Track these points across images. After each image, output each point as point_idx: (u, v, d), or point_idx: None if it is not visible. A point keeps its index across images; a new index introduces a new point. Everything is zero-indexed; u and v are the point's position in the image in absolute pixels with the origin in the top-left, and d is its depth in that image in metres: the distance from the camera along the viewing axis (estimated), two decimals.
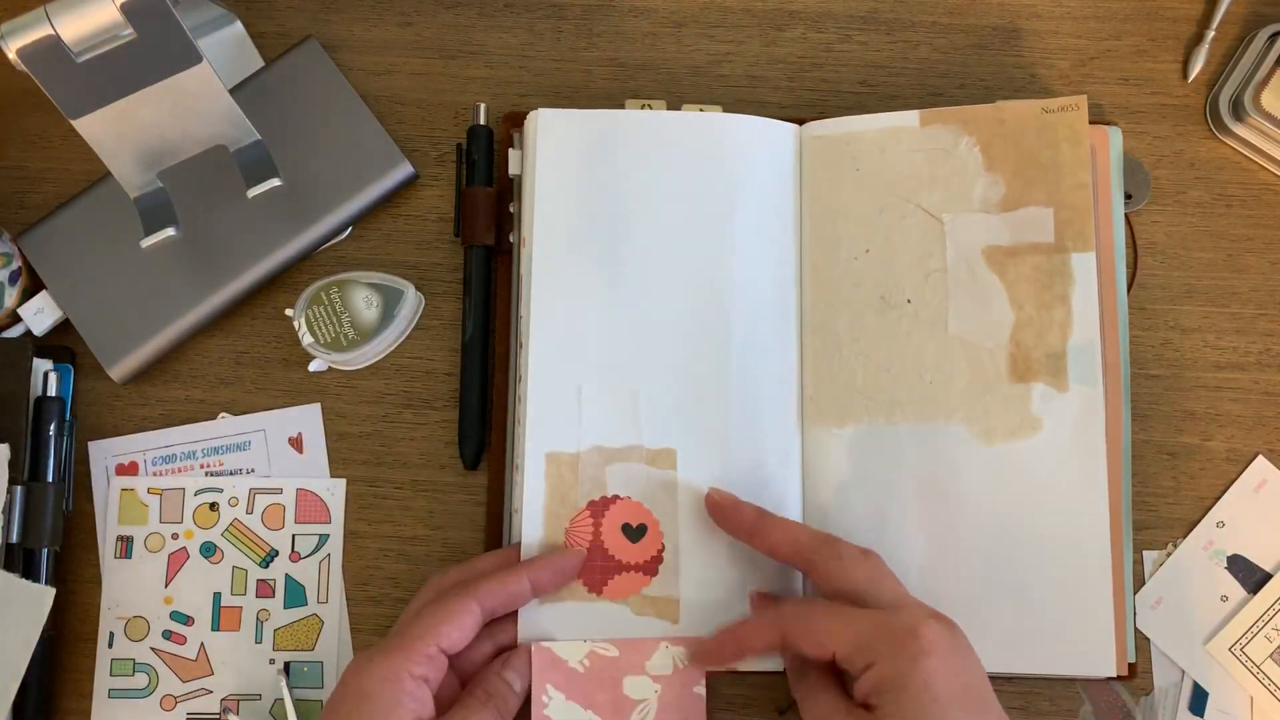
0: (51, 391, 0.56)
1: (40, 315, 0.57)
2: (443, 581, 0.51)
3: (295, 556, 0.57)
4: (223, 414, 0.58)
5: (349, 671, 0.47)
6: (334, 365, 0.58)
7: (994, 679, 0.53)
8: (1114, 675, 0.52)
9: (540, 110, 0.55)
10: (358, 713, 0.45)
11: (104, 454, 0.58)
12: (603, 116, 0.55)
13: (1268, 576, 0.56)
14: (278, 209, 0.58)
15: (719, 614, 0.52)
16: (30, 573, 0.54)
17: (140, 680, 0.56)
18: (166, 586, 0.57)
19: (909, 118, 0.56)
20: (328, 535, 0.57)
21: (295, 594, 0.57)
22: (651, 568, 0.52)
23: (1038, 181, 0.54)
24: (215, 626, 0.57)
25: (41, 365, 0.56)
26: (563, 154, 0.55)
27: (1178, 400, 0.58)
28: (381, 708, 0.46)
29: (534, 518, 0.52)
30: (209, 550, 0.57)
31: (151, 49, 0.50)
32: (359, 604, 0.57)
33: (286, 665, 0.56)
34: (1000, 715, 0.44)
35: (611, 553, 0.52)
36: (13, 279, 0.57)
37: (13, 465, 0.54)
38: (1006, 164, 0.54)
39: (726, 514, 0.51)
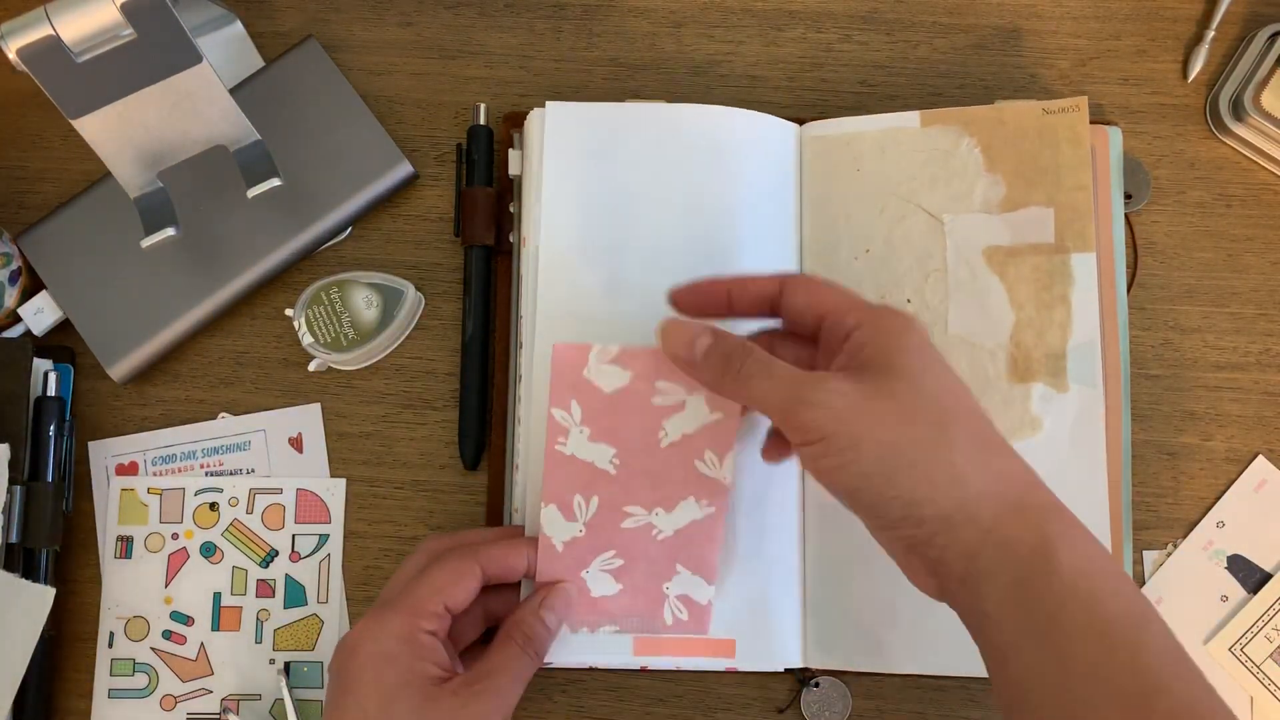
0: (51, 391, 0.56)
1: (40, 315, 0.57)
2: (436, 546, 0.50)
3: (295, 556, 0.57)
4: (223, 414, 0.58)
5: (355, 637, 0.45)
6: (334, 365, 0.58)
7: None
8: None
9: (549, 103, 0.55)
10: (383, 675, 0.44)
11: (104, 454, 0.58)
12: (608, 110, 0.55)
13: (1268, 576, 0.56)
14: (278, 209, 0.58)
15: (724, 605, 0.52)
16: (30, 573, 0.54)
17: (140, 680, 0.56)
18: (166, 586, 0.57)
19: (910, 118, 0.56)
20: (328, 535, 0.57)
21: (295, 594, 0.57)
22: None
23: (1038, 182, 0.54)
24: (215, 626, 0.57)
25: (41, 365, 0.56)
26: (569, 146, 0.55)
27: (1178, 400, 0.58)
28: (406, 666, 0.44)
29: (536, 516, 0.52)
30: (209, 550, 0.57)
31: (151, 49, 0.50)
32: (359, 604, 0.57)
33: (286, 665, 0.56)
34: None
35: None
36: (13, 279, 0.57)
37: (13, 465, 0.54)
38: (1007, 164, 0.54)
39: (691, 293, 0.48)
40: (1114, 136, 0.56)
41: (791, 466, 0.54)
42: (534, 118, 0.55)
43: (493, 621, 0.51)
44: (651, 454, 0.50)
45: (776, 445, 0.50)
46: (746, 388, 0.44)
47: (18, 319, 0.57)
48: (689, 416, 0.49)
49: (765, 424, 0.51)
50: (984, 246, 0.54)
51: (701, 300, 0.48)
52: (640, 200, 0.55)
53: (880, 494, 0.41)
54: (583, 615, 0.51)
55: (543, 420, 0.52)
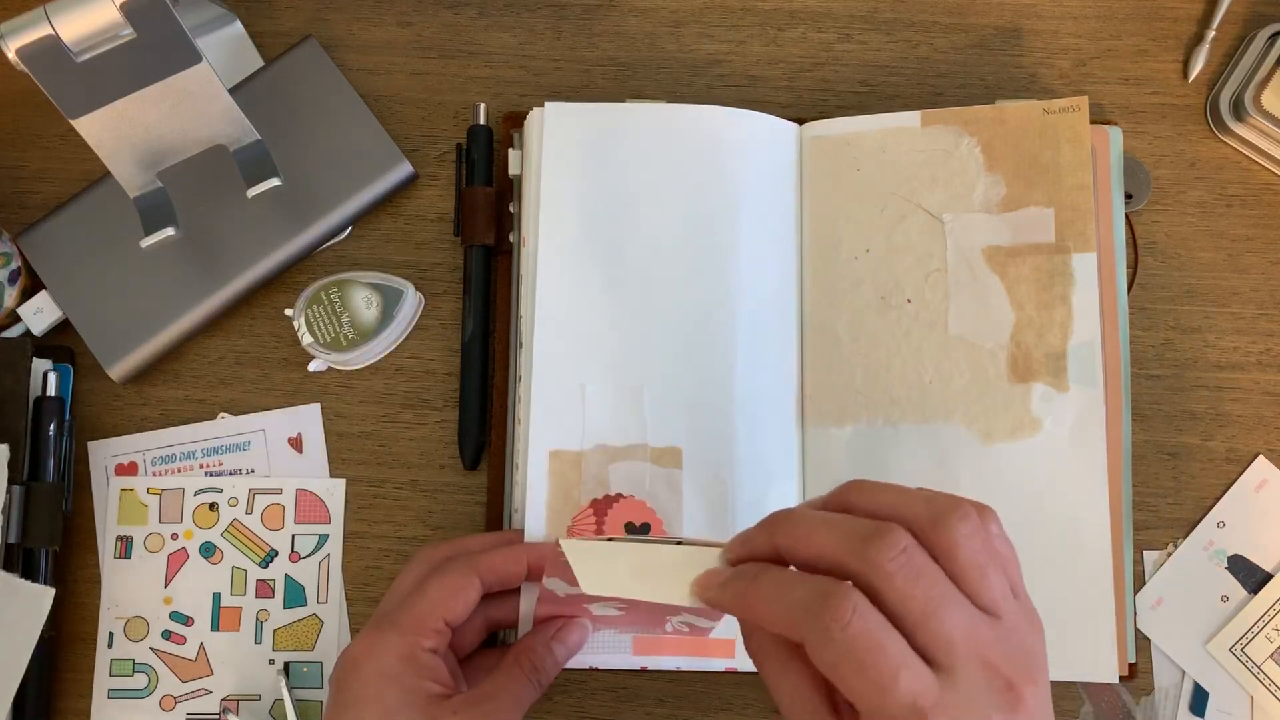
0: (51, 391, 0.56)
1: (40, 315, 0.57)
2: (433, 555, 0.49)
3: (295, 557, 0.57)
4: (222, 414, 0.58)
5: (357, 653, 0.45)
6: (334, 365, 0.58)
7: None
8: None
9: (548, 103, 0.55)
10: (385, 694, 0.44)
11: (104, 454, 0.58)
12: (607, 110, 0.55)
13: (1268, 576, 0.56)
14: (277, 209, 0.58)
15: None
16: (30, 573, 0.54)
17: (140, 680, 0.56)
18: (166, 587, 0.57)
19: (910, 118, 0.56)
20: (327, 535, 0.57)
21: (295, 594, 0.57)
22: None
23: (1038, 182, 0.54)
24: (215, 627, 0.56)
25: (41, 365, 0.56)
26: (568, 146, 0.55)
27: (1178, 400, 0.58)
28: (407, 685, 0.44)
29: (537, 514, 0.52)
30: (208, 550, 0.57)
31: (151, 49, 0.50)
32: (359, 604, 0.57)
33: (286, 665, 0.56)
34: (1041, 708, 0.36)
35: None
36: (12, 279, 0.57)
37: (12, 465, 0.54)
38: (1007, 164, 0.54)
39: (746, 544, 0.40)
40: (1114, 136, 0.56)
41: (791, 468, 0.54)
42: (534, 117, 0.55)
43: (494, 627, 0.51)
44: (655, 616, 0.47)
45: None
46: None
47: (17, 319, 0.57)
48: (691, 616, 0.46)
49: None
50: (984, 246, 0.54)
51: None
52: (639, 200, 0.55)
53: None
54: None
55: (546, 419, 0.52)
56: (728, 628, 0.52)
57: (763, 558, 0.39)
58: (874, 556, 0.35)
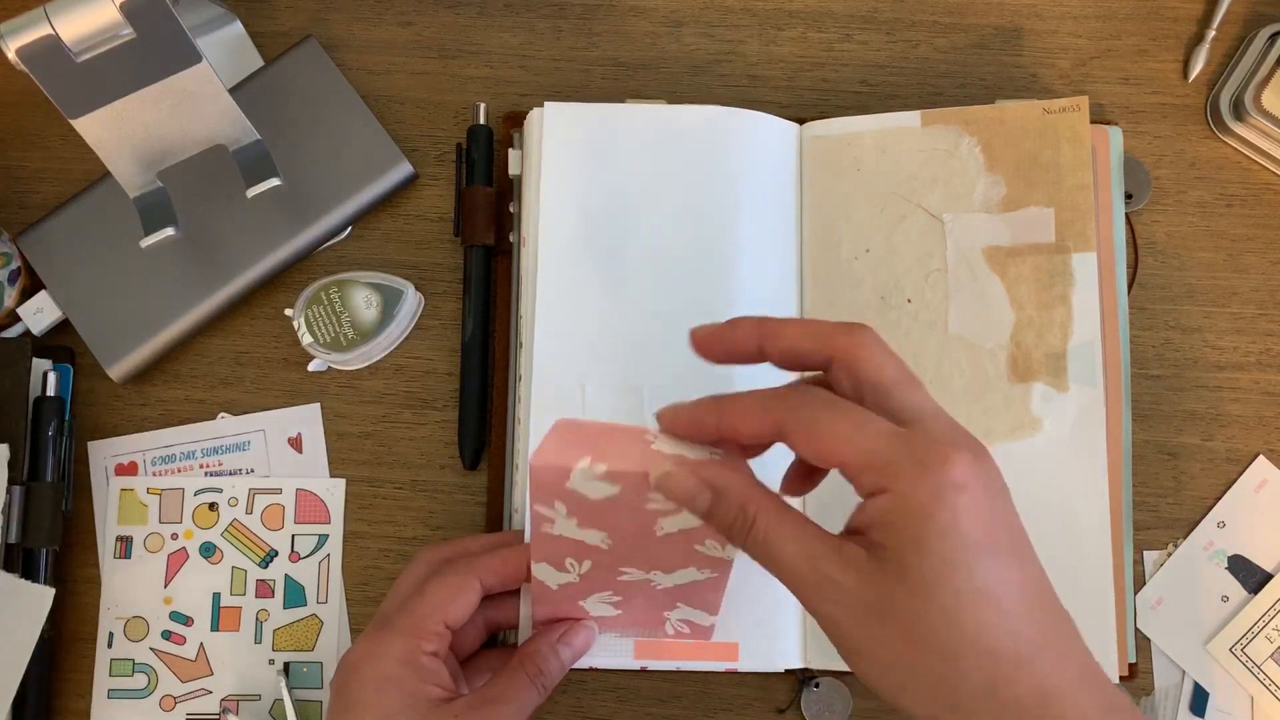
0: (51, 391, 0.56)
1: (40, 315, 0.57)
2: (433, 556, 0.49)
3: (295, 556, 0.57)
4: (222, 414, 0.58)
5: (357, 657, 0.45)
6: (334, 365, 0.58)
7: None
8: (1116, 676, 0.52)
9: (547, 104, 0.55)
10: (386, 698, 0.44)
11: (103, 454, 0.58)
12: (607, 110, 0.55)
13: (1268, 576, 0.56)
14: (277, 209, 0.58)
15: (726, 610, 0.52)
16: (30, 573, 0.54)
17: (140, 680, 0.56)
18: (166, 586, 0.57)
19: (910, 118, 0.56)
20: (327, 535, 0.57)
21: (295, 594, 0.57)
22: None
23: (1039, 182, 0.54)
24: (215, 627, 0.56)
25: (41, 365, 0.56)
26: (568, 147, 0.55)
27: (1178, 400, 0.58)
28: (408, 689, 0.44)
29: None
30: (208, 550, 0.57)
31: (151, 49, 0.50)
32: (359, 604, 0.57)
33: (286, 665, 0.56)
34: (1037, 562, 0.37)
35: None
36: (12, 279, 0.57)
37: (12, 465, 0.54)
38: (1007, 164, 0.54)
39: (718, 340, 0.41)
40: (1114, 136, 0.56)
41: (785, 465, 0.54)
42: (534, 117, 0.55)
43: (494, 629, 0.51)
44: (647, 541, 0.43)
45: (798, 480, 0.44)
46: (759, 554, 0.39)
47: (17, 319, 0.57)
48: (686, 519, 0.42)
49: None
50: (984, 246, 0.54)
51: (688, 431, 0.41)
52: (639, 200, 0.55)
53: (890, 700, 0.38)
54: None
55: (546, 419, 0.52)
56: (728, 631, 0.51)
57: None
58: (852, 336, 0.39)
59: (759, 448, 0.41)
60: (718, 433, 0.39)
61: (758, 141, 0.56)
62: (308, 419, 0.58)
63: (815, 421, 0.37)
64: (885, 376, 0.38)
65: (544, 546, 0.44)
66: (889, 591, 0.36)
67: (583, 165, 0.55)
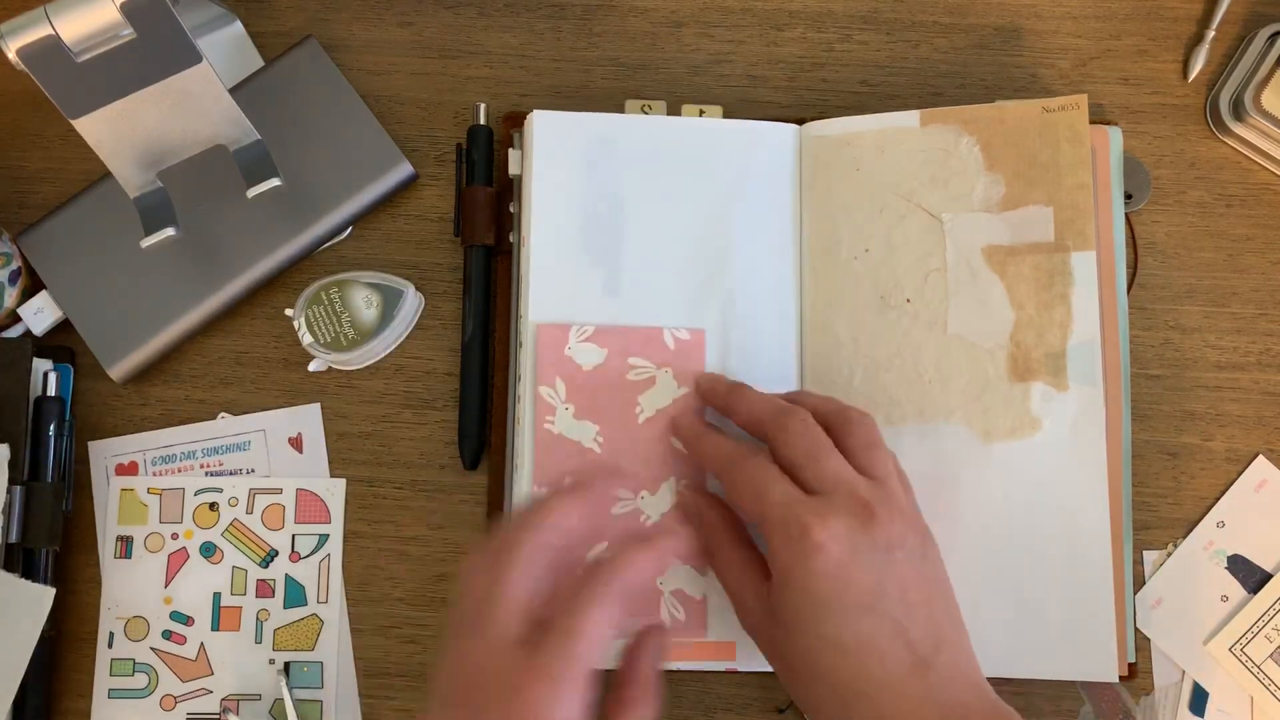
0: (51, 391, 0.56)
1: (40, 315, 0.57)
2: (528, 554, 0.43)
3: (295, 556, 0.57)
4: (223, 414, 0.58)
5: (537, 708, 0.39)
6: (334, 365, 0.58)
7: (994, 680, 0.53)
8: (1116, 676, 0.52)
9: (535, 112, 0.55)
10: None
11: (104, 454, 0.58)
12: (599, 120, 0.55)
13: (1268, 576, 0.56)
14: (278, 209, 0.58)
15: (724, 608, 0.52)
16: (30, 573, 0.54)
17: (140, 680, 0.56)
18: (166, 586, 0.57)
19: (909, 118, 0.56)
20: (328, 535, 0.57)
21: (295, 594, 0.57)
22: None
23: (1038, 181, 0.54)
24: (215, 626, 0.56)
25: (41, 365, 0.56)
26: (560, 156, 0.55)
27: (1178, 400, 0.58)
28: None
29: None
30: (209, 550, 0.57)
31: (151, 49, 0.50)
32: (359, 604, 0.57)
33: (286, 665, 0.56)
34: (892, 612, 0.43)
35: None
36: (13, 279, 0.57)
37: (12, 465, 0.54)
38: (1007, 163, 0.54)
39: (706, 392, 0.52)
40: (1114, 136, 0.56)
41: None
42: (531, 120, 0.55)
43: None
44: (631, 431, 0.52)
45: None
46: (713, 567, 0.50)
47: (17, 319, 0.57)
48: (661, 391, 0.53)
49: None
50: (984, 245, 0.54)
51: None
52: (636, 202, 0.55)
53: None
54: None
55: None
56: (728, 631, 0.52)
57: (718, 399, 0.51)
58: (777, 420, 0.47)
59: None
60: (693, 441, 0.51)
61: (754, 149, 0.56)
62: (308, 419, 0.58)
63: (738, 476, 0.47)
64: (796, 455, 0.46)
65: (546, 456, 0.52)
66: (773, 627, 0.46)
67: (576, 174, 0.55)
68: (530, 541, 0.42)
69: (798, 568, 0.43)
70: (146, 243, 0.53)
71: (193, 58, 0.51)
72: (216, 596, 0.57)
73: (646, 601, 0.52)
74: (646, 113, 0.58)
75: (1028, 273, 0.53)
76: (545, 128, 0.55)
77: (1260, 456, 0.57)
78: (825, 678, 0.44)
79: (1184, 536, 0.57)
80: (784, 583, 0.44)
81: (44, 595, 0.53)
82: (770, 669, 0.51)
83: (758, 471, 0.46)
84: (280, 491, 0.58)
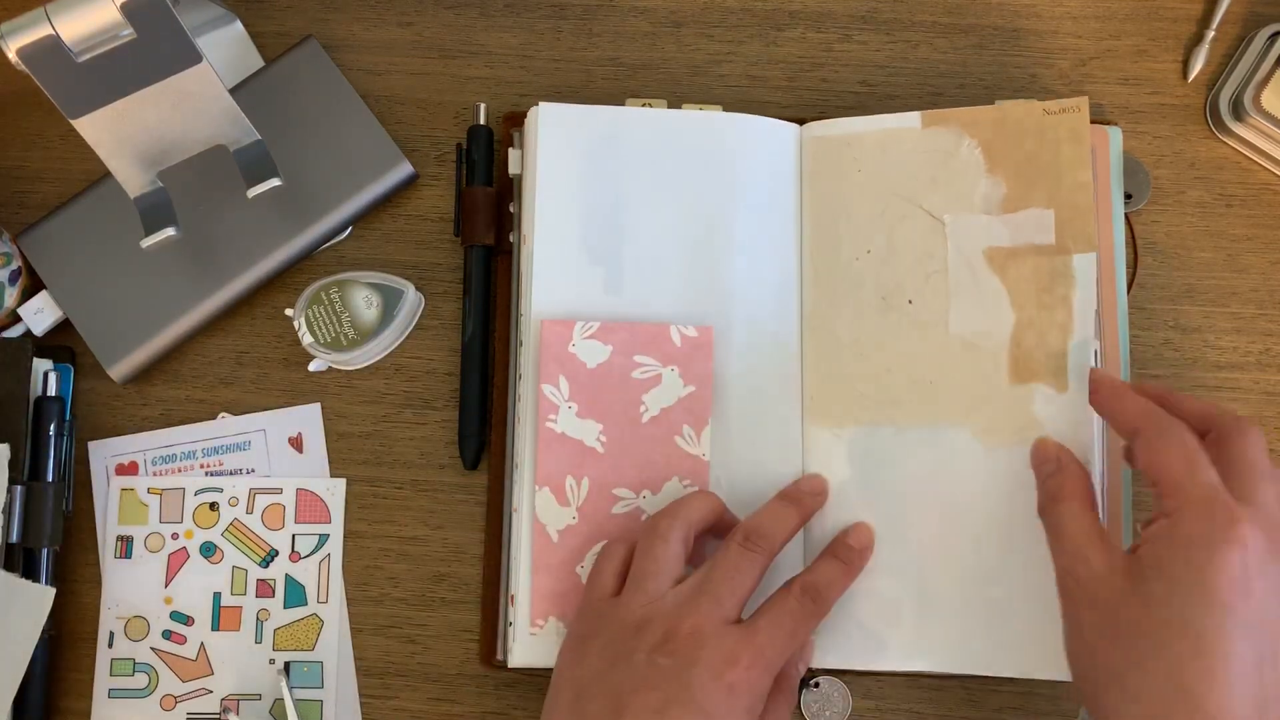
0: (51, 391, 0.56)
1: (40, 315, 0.57)
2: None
3: (295, 556, 0.57)
4: (223, 414, 0.58)
5: (736, 679, 0.45)
6: (334, 365, 0.58)
7: (994, 679, 0.53)
8: None
9: (542, 104, 0.55)
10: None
11: (104, 454, 0.58)
12: (604, 113, 0.55)
13: None
14: (278, 209, 0.58)
15: None
16: (30, 573, 0.54)
17: (140, 680, 0.56)
18: (166, 586, 0.57)
19: (910, 119, 0.56)
20: (328, 535, 0.57)
21: (295, 594, 0.57)
22: None
23: (1039, 183, 0.54)
24: (215, 626, 0.57)
25: (41, 365, 0.56)
26: (564, 148, 0.55)
27: None
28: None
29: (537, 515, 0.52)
30: (209, 550, 0.57)
31: (151, 49, 0.50)
32: (359, 604, 0.57)
33: (286, 665, 0.56)
34: (1262, 653, 0.40)
35: None
36: (13, 279, 0.57)
37: (13, 465, 0.54)
38: (1008, 165, 0.54)
39: (1112, 399, 0.49)
40: (1114, 136, 0.56)
41: (792, 468, 0.54)
42: (534, 115, 0.55)
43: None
44: (635, 430, 0.52)
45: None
46: (1051, 514, 0.48)
47: (18, 319, 0.57)
48: (666, 390, 0.53)
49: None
50: (985, 247, 0.54)
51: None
52: (638, 200, 0.55)
53: (1083, 688, 0.44)
54: None
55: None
56: None
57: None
58: (1238, 422, 0.45)
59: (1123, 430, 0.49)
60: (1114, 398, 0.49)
61: (756, 145, 0.56)
62: (308, 419, 0.58)
63: (1171, 441, 0.45)
64: (1243, 455, 0.44)
65: (548, 454, 0.52)
66: (1121, 589, 0.43)
67: (579, 167, 0.55)
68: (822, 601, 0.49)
69: (1204, 551, 0.41)
70: (146, 243, 0.53)
71: (193, 58, 0.51)
72: (216, 596, 0.57)
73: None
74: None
75: (1028, 274, 0.53)
76: (550, 121, 0.55)
77: None
78: (1162, 666, 0.41)
79: None
80: (1178, 558, 0.42)
81: (44, 595, 0.53)
82: None
83: (1192, 444, 0.44)
84: (280, 491, 0.58)
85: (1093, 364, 0.53)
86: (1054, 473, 0.49)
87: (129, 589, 0.57)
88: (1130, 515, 0.54)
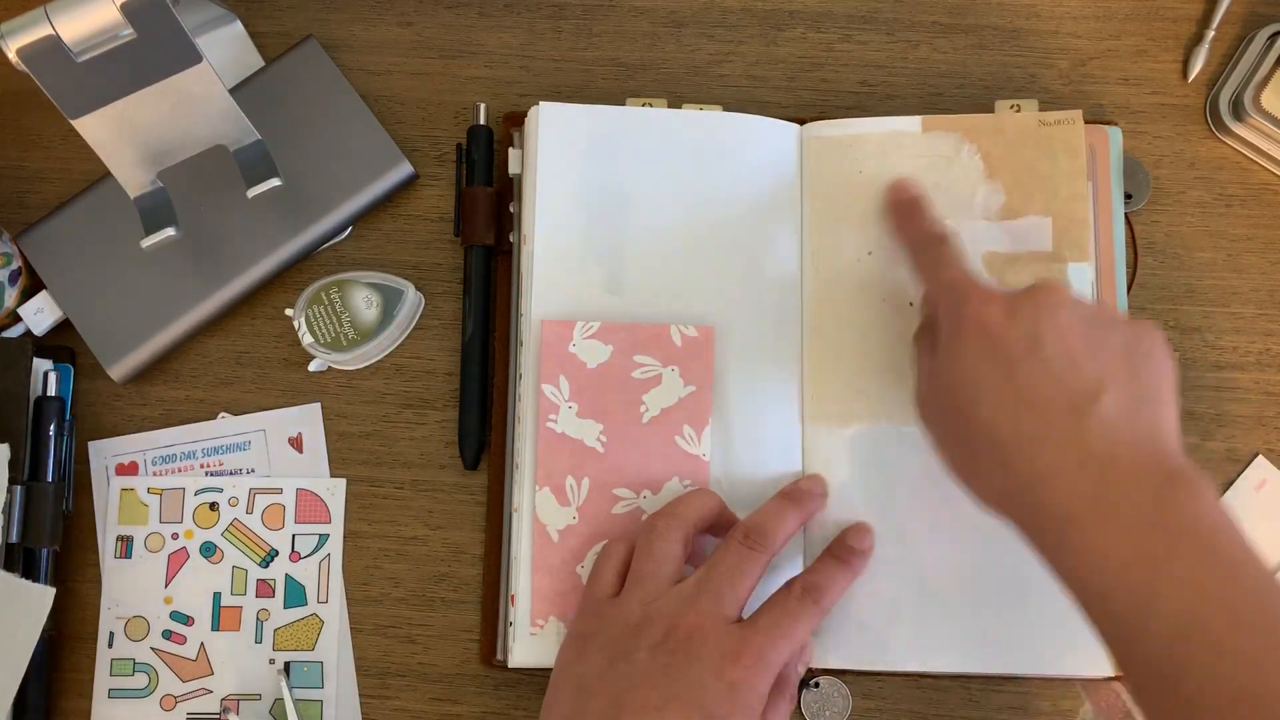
0: (51, 391, 0.56)
1: (40, 315, 0.57)
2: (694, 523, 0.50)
3: (295, 556, 0.57)
4: (223, 414, 0.58)
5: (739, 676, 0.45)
6: (334, 365, 0.58)
7: (994, 679, 0.53)
8: (1114, 675, 0.52)
9: (542, 104, 0.55)
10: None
11: (104, 454, 0.58)
12: (604, 113, 0.55)
13: None
14: (278, 209, 0.58)
15: None
16: (30, 573, 0.54)
17: (140, 680, 0.56)
18: (166, 586, 0.57)
19: (911, 123, 0.56)
20: (328, 535, 0.57)
21: (295, 594, 0.57)
22: None
23: (1036, 191, 0.54)
24: (215, 626, 0.57)
25: (41, 365, 0.56)
26: (564, 148, 0.55)
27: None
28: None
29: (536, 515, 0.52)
30: (209, 550, 0.57)
31: (151, 49, 0.50)
32: (359, 604, 0.57)
33: (286, 665, 0.56)
34: (1052, 367, 0.43)
35: None
36: (13, 279, 0.57)
37: (13, 465, 0.54)
38: (1006, 173, 0.54)
39: (905, 215, 0.52)
40: (1114, 136, 0.56)
41: (792, 469, 0.54)
42: (534, 115, 0.55)
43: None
44: (635, 430, 0.52)
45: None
46: (936, 272, 0.49)
47: (18, 319, 0.57)
48: (666, 390, 0.53)
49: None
50: (984, 252, 0.54)
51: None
52: (639, 200, 0.55)
53: (953, 478, 0.47)
54: None
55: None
56: None
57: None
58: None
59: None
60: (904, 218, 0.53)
61: (757, 144, 0.56)
62: (308, 419, 0.58)
63: (930, 250, 0.50)
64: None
65: (548, 454, 0.52)
66: (935, 398, 0.47)
67: (579, 167, 0.55)
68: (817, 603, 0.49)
69: (957, 332, 0.45)
70: (146, 243, 0.53)
71: (193, 58, 0.51)
72: (216, 596, 0.57)
73: None
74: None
75: (1027, 280, 0.53)
76: (550, 121, 0.55)
77: (1260, 456, 0.57)
78: (983, 433, 0.44)
79: None
80: (946, 349, 0.46)
81: (44, 595, 0.53)
82: None
83: (946, 253, 0.49)
84: (280, 491, 0.58)
85: None
86: (938, 242, 0.50)
87: (129, 589, 0.57)
88: None
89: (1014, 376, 0.43)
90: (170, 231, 0.53)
